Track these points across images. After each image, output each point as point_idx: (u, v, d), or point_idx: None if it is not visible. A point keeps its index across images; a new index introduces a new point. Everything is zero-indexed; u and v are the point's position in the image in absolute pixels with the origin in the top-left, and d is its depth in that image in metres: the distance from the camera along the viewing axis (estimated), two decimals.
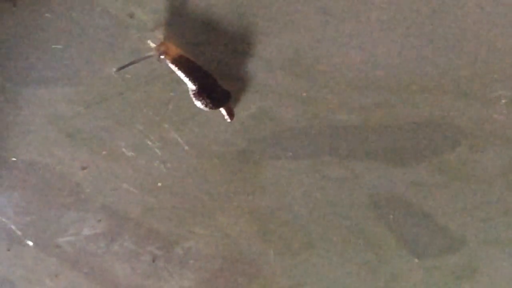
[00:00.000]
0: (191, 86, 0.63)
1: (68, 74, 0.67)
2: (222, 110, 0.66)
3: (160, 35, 0.63)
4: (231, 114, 0.66)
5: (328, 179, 0.69)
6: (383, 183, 0.68)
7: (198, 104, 0.64)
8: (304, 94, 0.65)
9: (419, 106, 0.64)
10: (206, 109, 0.64)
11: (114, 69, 0.65)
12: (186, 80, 0.63)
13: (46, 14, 0.65)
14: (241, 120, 0.67)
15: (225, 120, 0.66)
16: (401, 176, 0.68)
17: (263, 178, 0.70)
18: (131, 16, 0.64)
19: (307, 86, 0.65)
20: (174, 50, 0.63)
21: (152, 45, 0.63)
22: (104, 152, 0.70)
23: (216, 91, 0.64)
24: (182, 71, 0.63)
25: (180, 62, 0.63)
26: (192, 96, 0.64)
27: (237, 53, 0.64)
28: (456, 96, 0.63)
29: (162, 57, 0.63)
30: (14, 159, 0.71)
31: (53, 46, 0.66)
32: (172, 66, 0.63)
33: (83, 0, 0.64)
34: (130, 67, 0.65)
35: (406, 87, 0.63)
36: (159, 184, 0.71)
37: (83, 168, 0.71)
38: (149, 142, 0.69)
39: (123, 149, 0.70)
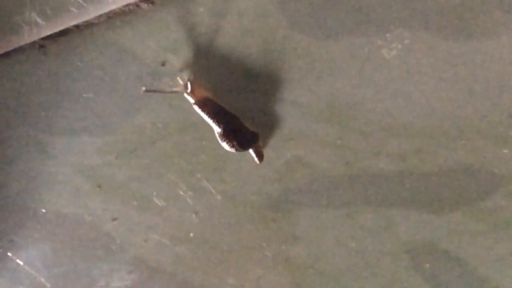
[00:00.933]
0: (217, 129, 0.63)
1: (98, 124, 0.66)
2: (251, 152, 0.65)
3: (189, 77, 0.63)
4: (260, 155, 0.66)
5: (363, 228, 0.67)
6: (419, 231, 0.67)
7: (225, 146, 0.64)
8: (339, 141, 0.64)
9: (456, 152, 0.63)
10: (233, 150, 0.64)
11: (144, 88, 0.65)
12: (211, 122, 0.63)
13: (77, 63, 0.65)
14: (275, 168, 0.66)
15: (256, 163, 0.66)
16: (437, 224, 0.67)
17: (297, 227, 0.68)
18: (163, 64, 0.64)
19: (341, 133, 0.64)
20: (200, 92, 0.63)
21: (181, 82, 0.63)
22: (135, 202, 0.69)
23: (243, 132, 0.63)
24: (206, 113, 0.63)
25: (205, 104, 0.63)
26: (218, 138, 0.64)
27: (272, 99, 0.64)
28: (493, 142, 0.62)
29: (188, 95, 0.63)
30: (43, 210, 0.70)
31: (83, 95, 0.66)
32: (197, 108, 0.63)
33: (114, 49, 0.64)
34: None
35: (443, 133, 0.63)
36: (191, 234, 0.70)
37: (114, 219, 0.70)
38: (181, 192, 0.68)
39: (155, 199, 0.69)
